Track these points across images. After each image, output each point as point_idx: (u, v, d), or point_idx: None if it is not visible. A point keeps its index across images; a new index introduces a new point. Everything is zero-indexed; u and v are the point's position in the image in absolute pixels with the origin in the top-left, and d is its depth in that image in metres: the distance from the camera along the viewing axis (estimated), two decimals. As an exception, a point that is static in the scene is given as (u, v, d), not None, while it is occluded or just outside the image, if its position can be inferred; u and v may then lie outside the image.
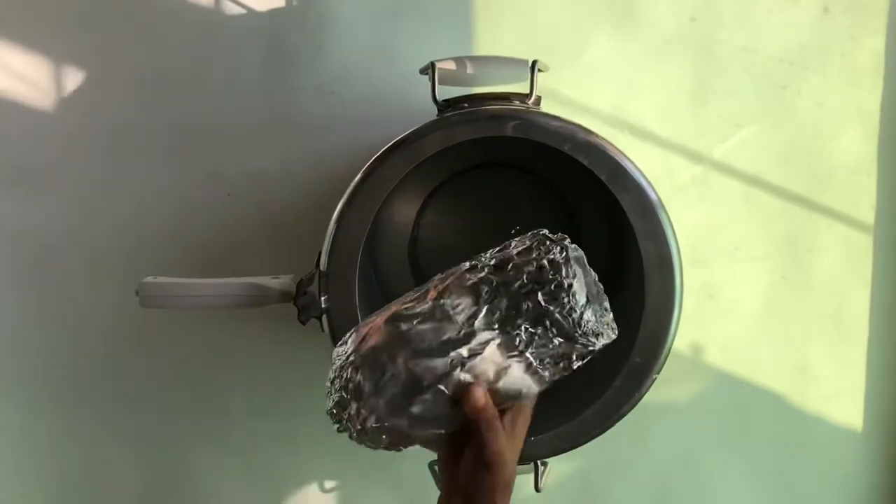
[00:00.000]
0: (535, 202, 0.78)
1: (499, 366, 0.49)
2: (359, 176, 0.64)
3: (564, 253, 0.49)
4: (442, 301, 0.49)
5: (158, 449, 0.85)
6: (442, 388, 0.49)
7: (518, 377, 0.50)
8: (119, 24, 0.80)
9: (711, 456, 0.86)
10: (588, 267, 0.50)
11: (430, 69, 0.67)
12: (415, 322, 0.49)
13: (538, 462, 0.67)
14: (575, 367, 0.50)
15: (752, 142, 0.83)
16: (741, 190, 0.83)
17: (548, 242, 0.49)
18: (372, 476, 0.85)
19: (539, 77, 0.66)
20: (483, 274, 0.49)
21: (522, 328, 0.48)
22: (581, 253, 0.50)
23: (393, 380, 0.49)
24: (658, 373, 0.64)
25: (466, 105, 0.66)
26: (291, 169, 0.81)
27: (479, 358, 0.49)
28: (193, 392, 0.84)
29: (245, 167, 0.81)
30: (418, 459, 0.68)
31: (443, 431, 0.51)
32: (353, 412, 0.49)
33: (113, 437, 0.84)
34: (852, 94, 0.82)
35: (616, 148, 0.63)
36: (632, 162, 0.63)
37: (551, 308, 0.48)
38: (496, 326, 0.48)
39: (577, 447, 0.65)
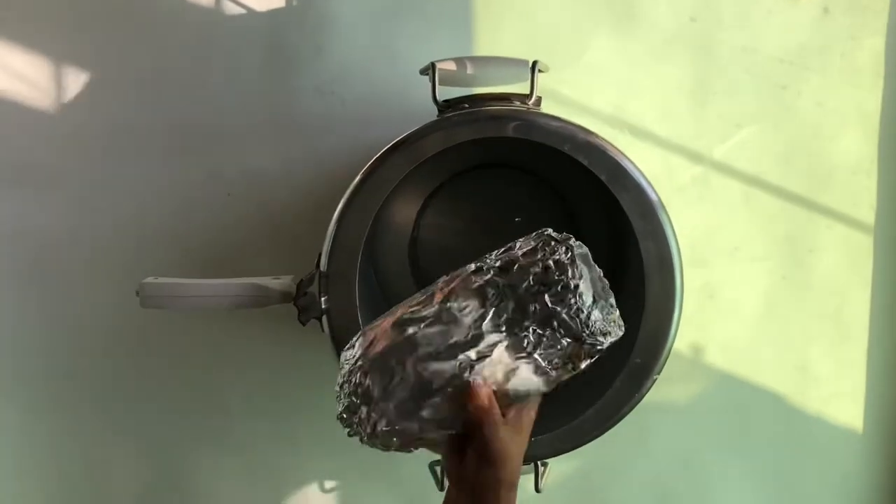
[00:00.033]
0: (536, 202, 0.78)
1: (507, 367, 0.49)
2: (359, 176, 0.64)
3: (570, 253, 0.49)
4: (448, 304, 0.49)
5: (158, 449, 0.85)
6: (451, 391, 0.49)
7: (526, 378, 0.50)
8: (119, 24, 0.80)
9: (711, 456, 0.86)
10: (593, 263, 0.50)
11: (430, 69, 0.67)
12: (422, 325, 0.49)
13: (538, 462, 0.67)
14: (583, 366, 0.50)
15: (752, 142, 0.83)
16: (741, 190, 0.83)
17: (553, 243, 0.49)
18: (372, 476, 0.85)
19: (539, 77, 0.66)
20: (489, 276, 0.49)
21: (530, 330, 0.48)
22: (585, 250, 0.50)
23: (402, 384, 0.49)
24: (658, 373, 0.64)
25: (467, 105, 0.66)
26: (291, 169, 0.81)
27: (487, 360, 0.49)
28: (193, 392, 0.84)
29: (245, 167, 0.81)
30: (418, 459, 0.68)
31: (452, 432, 0.51)
32: (363, 416, 0.49)
33: (113, 436, 0.84)
34: (852, 94, 0.82)
35: (616, 148, 0.63)
36: (632, 162, 0.63)
37: (558, 309, 0.48)
38: (504, 329, 0.49)
39: (577, 447, 0.65)
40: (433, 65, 0.67)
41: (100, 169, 0.81)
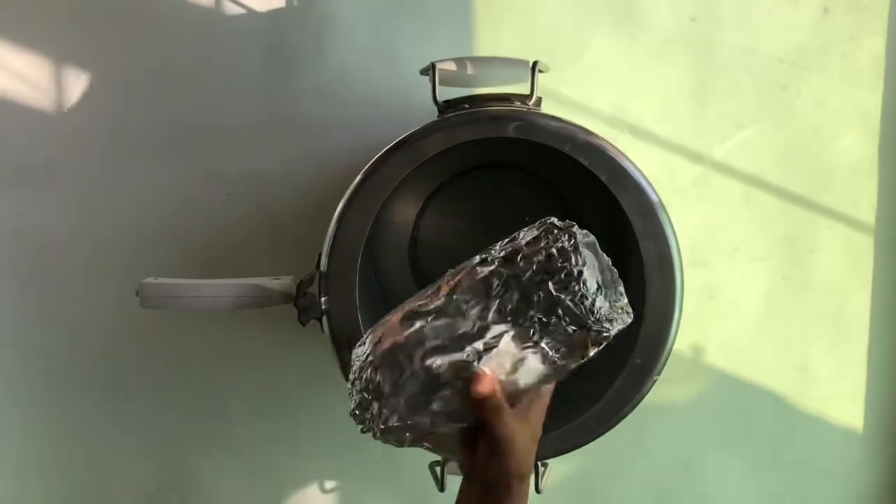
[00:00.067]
0: (536, 203, 0.78)
1: (515, 357, 0.49)
2: (359, 177, 0.64)
3: (573, 240, 0.48)
4: (454, 296, 0.49)
5: (158, 449, 0.85)
6: (460, 383, 0.49)
7: (535, 367, 0.50)
8: (119, 24, 0.80)
9: (711, 456, 0.86)
10: (601, 252, 0.50)
11: (430, 70, 0.67)
12: (429, 319, 0.49)
13: (538, 462, 0.67)
14: (591, 353, 0.49)
15: (753, 142, 0.83)
16: (741, 190, 0.83)
17: (556, 231, 0.49)
18: (372, 476, 0.85)
19: (539, 77, 0.66)
20: (493, 266, 0.49)
21: (535, 319, 0.48)
22: (592, 238, 0.50)
23: (412, 378, 0.49)
24: (658, 374, 0.64)
25: (467, 106, 0.66)
26: (291, 169, 0.81)
27: (494, 351, 0.49)
28: (193, 392, 0.84)
29: (245, 167, 0.81)
30: (418, 459, 0.68)
31: (465, 425, 0.51)
32: (374, 413, 0.50)
33: (113, 436, 0.84)
34: (852, 94, 0.82)
35: (616, 149, 0.63)
36: (632, 162, 0.63)
37: (562, 296, 0.48)
38: (509, 318, 0.48)
39: (577, 448, 0.65)
40: (433, 65, 0.67)
41: (100, 169, 0.81)
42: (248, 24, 0.80)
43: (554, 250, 0.48)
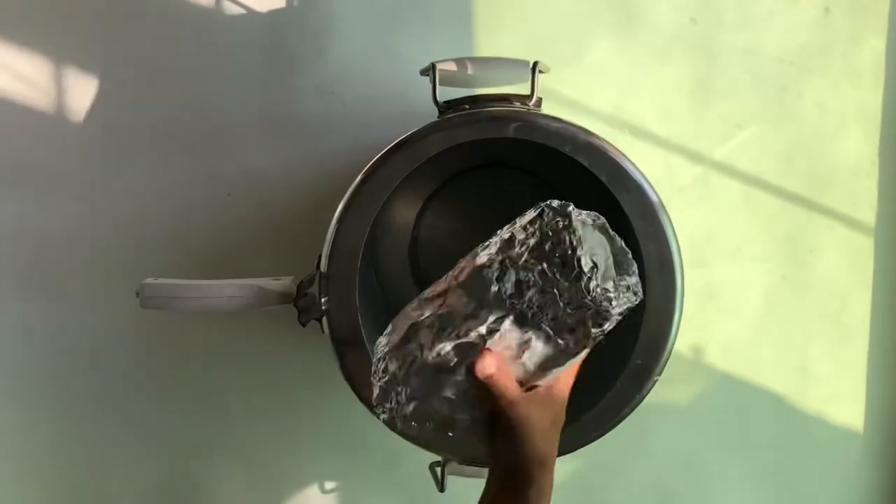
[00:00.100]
0: (536, 203, 0.78)
1: (519, 340, 0.49)
2: (359, 177, 0.64)
3: (567, 220, 0.48)
4: (459, 283, 0.50)
5: (158, 449, 0.85)
6: (466, 367, 0.49)
7: (541, 350, 0.50)
8: (119, 24, 0.80)
9: (711, 456, 0.86)
10: (612, 233, 0.50)
11: (430, 70, 0.67)
12: (437, 306, 0.50)
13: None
14: (594, 333, 0.49)
15: (753, 142, 0.83)
16: (742, 191, 0.83)
17: (551, 212, 0.49)
18: (372, 477, 0.85)
19: (539, 78, 0.66)
20: (493, 251, 0.49)
21: (534, 300, 0.48)
22: (603, 220, 0.50)
23: (423, 366, 0.50)
24: (659, 374, 0.64)
25: (467, 106, 0.66)
26: (291, 169, 0.81)
27: (497, 335, 0.49)
28: (193, 392, 0.84)
29: (245, 167, 0.81)
30: (418, 459, 0.68)
31: (482, 413, 0.51)
32: (393, 402, 0.51)
33: (113, 437, 0.84)
34: (853, 95, 0.82)
35: (617, 149, 0.63)
36: (632, 163, 0.63)
37: (557, 277, 0.48)
38: (510, 302, 0.49)
39: (577, 448, 0.65)
40: (434, 65, 0.67)
41: (100, 169, 0.81)
42: (248, 23, 0.80)
43: (549, 230, 0.48)
